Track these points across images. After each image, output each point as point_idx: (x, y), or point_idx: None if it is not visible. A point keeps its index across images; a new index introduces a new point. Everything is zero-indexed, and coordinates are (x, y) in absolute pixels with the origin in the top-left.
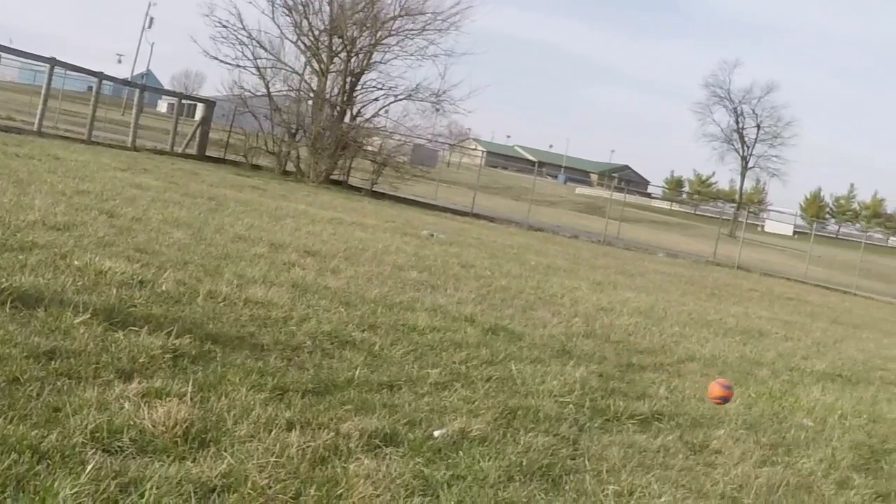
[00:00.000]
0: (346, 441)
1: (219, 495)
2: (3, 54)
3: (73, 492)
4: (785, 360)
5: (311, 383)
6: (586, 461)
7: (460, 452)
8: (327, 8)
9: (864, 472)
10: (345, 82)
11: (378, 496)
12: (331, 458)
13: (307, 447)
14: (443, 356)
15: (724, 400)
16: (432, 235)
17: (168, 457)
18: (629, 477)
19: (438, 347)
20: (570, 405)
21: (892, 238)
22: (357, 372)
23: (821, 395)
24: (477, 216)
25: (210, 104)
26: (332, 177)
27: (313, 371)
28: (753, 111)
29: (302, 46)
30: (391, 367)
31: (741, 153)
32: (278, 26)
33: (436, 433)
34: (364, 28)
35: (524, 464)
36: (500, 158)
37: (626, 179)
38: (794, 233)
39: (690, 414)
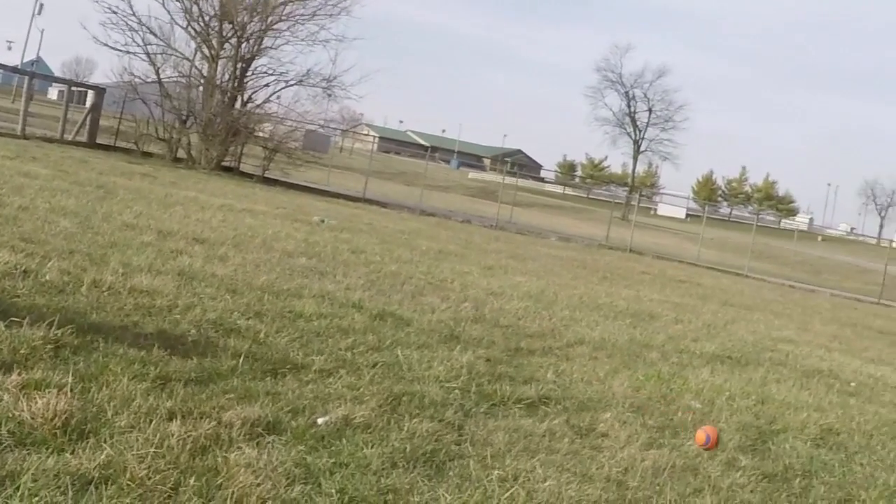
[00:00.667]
0: (227, 430)
1: (96, 487)
2: None
3: None
4: (675, 342)
5: (195, 372)
6: (471, 446)
7: (343, 440)
8: None
9: (751, 453)
10: (235, 68)
11: (258, 485)
12: (212, 448)
13: (188, 437)
14: (329, 343)
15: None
16: (323, 221)
17: (46, 449)
18: (514, 462)
19: (325, 334)
20: (457, 390)
21: (784, 220)
22: (241, 360)
23: (710, 376)
24: (369, 202)
25: (100, 91)
26: (223, 163)
27: (197, 360)
28: (645, 95)
29: (192, 32)
30: (276, 354)
31: (633, 137)
32: (168, 12)
33: (319, 420)
34: (254, 13)
35: (408, 450)
36: (393, 144)
37: (519, 164)
38: (687, 216)
39: (578, 397)
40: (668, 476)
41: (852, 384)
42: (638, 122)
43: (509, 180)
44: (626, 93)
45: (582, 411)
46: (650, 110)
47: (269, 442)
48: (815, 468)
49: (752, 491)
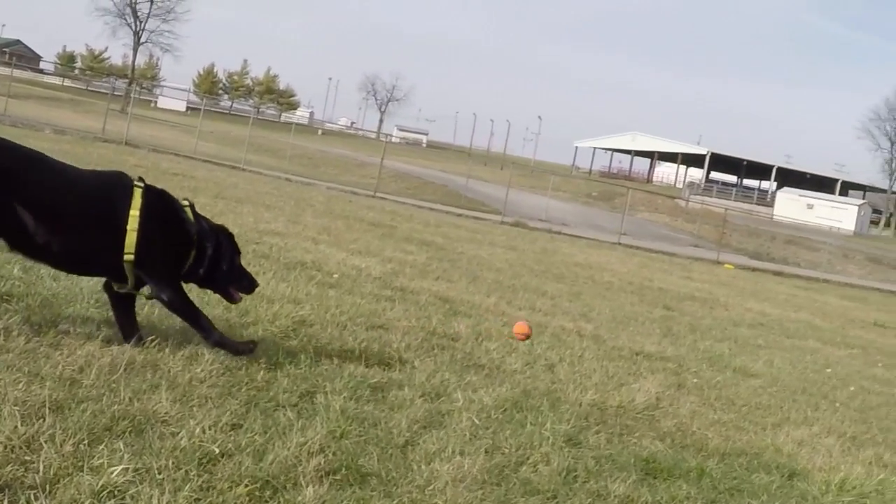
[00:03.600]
0: None
1: None
2: None
3: None
4: None
5: None
6: None
7: None
8: None
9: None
10: None
11: None
12: None
13: None
14: None
15: (526, 336)
16: None
17: None
18: None
19: None
20: None
21: (284, 114)
22: None
23: None
24: None
25: None
26: None
27: None
28: None
29: None
30: None
31: (134, 28)
32: None
33: None
34: None
35: None
36: None
37: (17, 54)
38: (188, 108)
39: (42, 293)
40: (126, 372)
41: (335, 276)
42: (139, 13)
43: (4, 71)
44: None
45: (45, 308)
46: (151, 1)
47: None
48: (281, 359)
49: (211, 385)
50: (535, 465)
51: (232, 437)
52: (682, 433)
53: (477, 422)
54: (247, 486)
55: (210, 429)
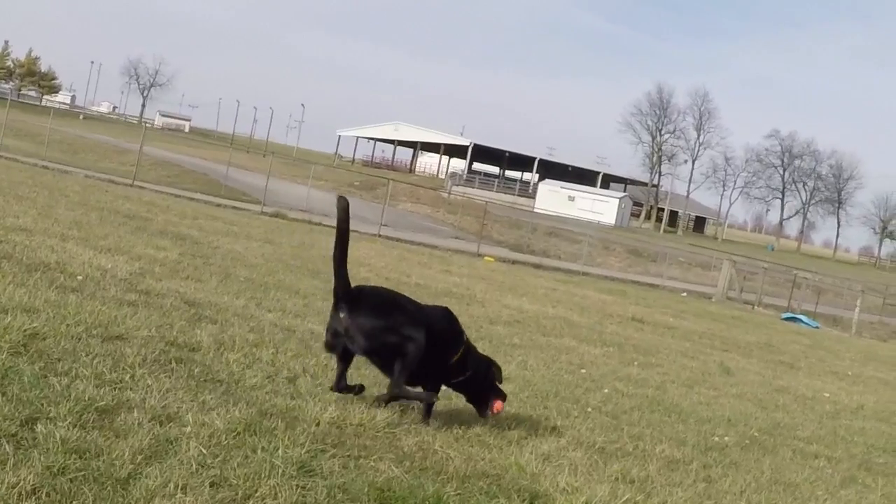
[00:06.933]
0: None
1: None
2: None
3: None
4: None
5: None
6: None
7: None
8: None
9: None
10: None
11: None
12: None
13: None
14: None
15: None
16: None
17: None
18: None
19: None
20: None
21: (46, 97)
22: None
23: None
24: None
25: None
26: None
27: None
28: None
29: None
30: None
31: None
32: None
33: None
34: None
35: None
36: None
37: None
38: None
39: None
40: None
41: (79, 278)
42: None
43: None
44: None
45: None
46: None
47: None
48: (6, 381)
49: None
50: (262, 500)
51: None
52: (423, 453)
53: (204, 451)
54: None
55: None
